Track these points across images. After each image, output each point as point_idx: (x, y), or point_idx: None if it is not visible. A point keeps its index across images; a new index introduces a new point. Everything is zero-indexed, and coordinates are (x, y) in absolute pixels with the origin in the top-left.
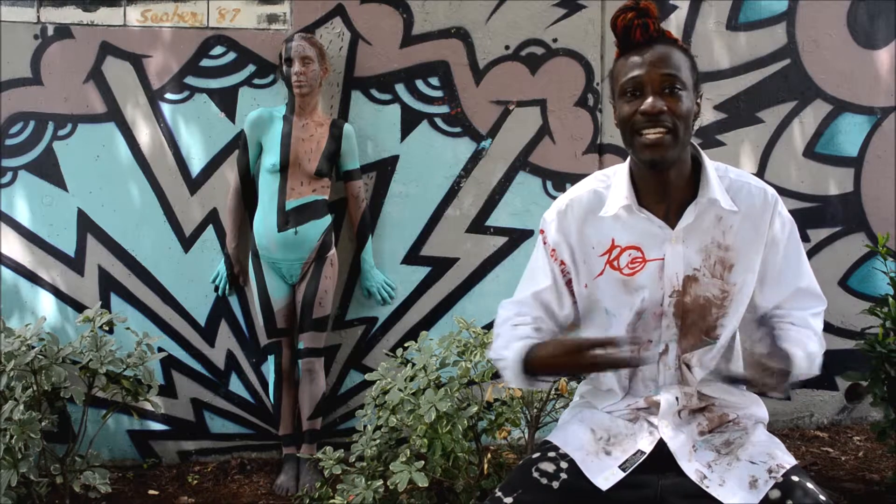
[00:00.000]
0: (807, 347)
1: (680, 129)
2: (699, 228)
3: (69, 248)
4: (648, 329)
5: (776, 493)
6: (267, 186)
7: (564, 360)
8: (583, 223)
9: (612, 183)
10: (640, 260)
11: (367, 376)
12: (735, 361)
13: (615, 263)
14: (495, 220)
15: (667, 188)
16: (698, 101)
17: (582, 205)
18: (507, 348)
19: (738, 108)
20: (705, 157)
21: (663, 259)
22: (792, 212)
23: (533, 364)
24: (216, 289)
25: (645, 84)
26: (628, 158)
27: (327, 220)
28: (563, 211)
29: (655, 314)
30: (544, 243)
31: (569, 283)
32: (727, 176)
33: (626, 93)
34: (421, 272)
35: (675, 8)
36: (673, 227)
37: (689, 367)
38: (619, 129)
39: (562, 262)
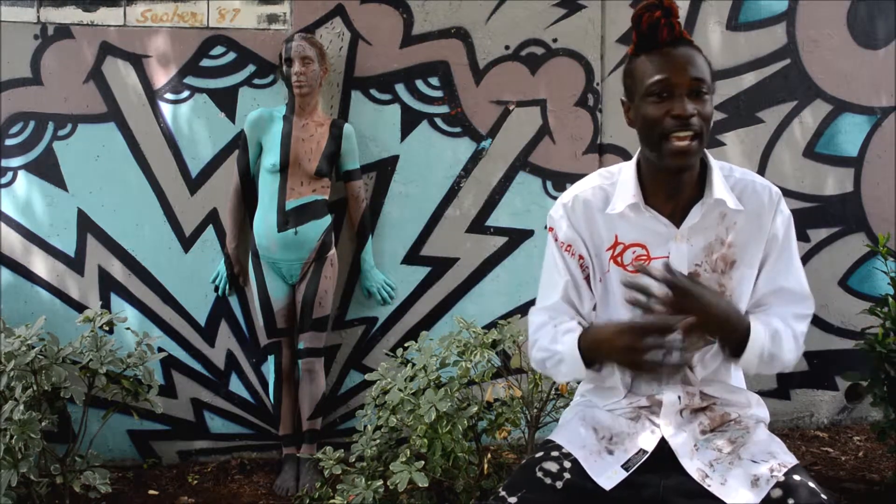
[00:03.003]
0: (770, 323)
1: (705, 134)
2: (704, 227)
3: (69, 248)
4: None
5: (778, 493)
6: (267, 186)
7: (615, 340)
8: (590, 218)
9: (618, 180)
10: (644, 258)
11: (367, 376)
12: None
13: (619, 260)
14: (495, 220)
15: (676, 188)
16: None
17: (587, 201)
18: (557, 342)
19: (738, 108)
20: (710, 157)
21: (668, 257)
22: (792, 212)
23: (588, 346)
24: (216, 289)
25: (675, 86)
26: (635, 156)
27: (327, 220)
28: (570, 207)
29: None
30: (556, 240)
31: (587, 277)
32: (732, 175)
33: (653, 94)
34: (421, 272)
35: None
36: (678, 225)
37: (690, 367)
38: (643, 130)
39: (580, 257)
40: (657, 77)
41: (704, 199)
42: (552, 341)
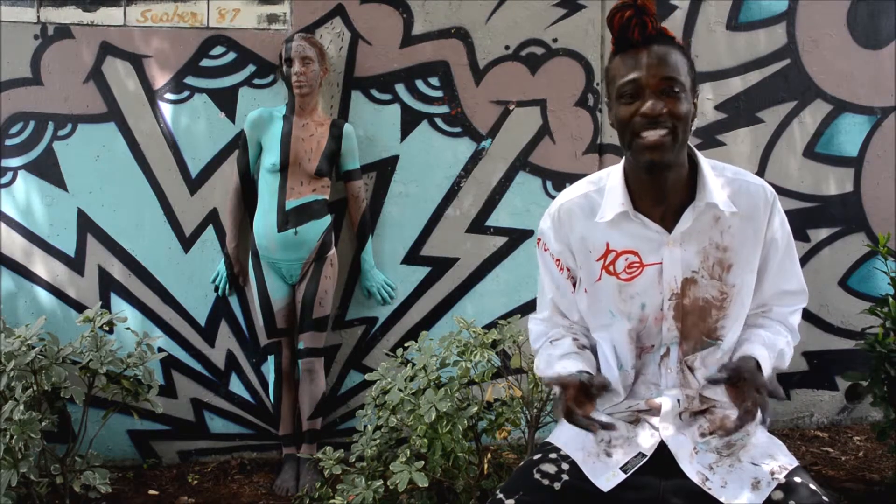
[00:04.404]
0: (775, 345)
1: (679, 131)
2: (697, 231)
3: (69, 248)
4: (651, 334)
5: (779, 495)
6: (267, 186)
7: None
8: (578, 228)
9: (606, 186)
10: (637, 265)
11: (367, 376)
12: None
13: (611, 269)
14: (495, 220)
15: (664, 191)
16: (695, 100)
17: (574, 210)
18: (551, 367)
19: (738, 108)
20: (701, 157)
21: (661, 263)
22: (792, 212)
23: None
24: (216, 289)
25: (643, 87)
26: (622, 161)
27: (327, 220)
28: (556, 218)
29: (656, 319)
30: (545, 251)
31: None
32: (724, 175)
33: (624, 95)
34: (421, 272)
35: (675, 8)
36: (670, 230)
37: (691, 369)
38: (618, 132)
39: (568, 269)
40: (627, 78)
41: (696, 203)
42: (548, 365)
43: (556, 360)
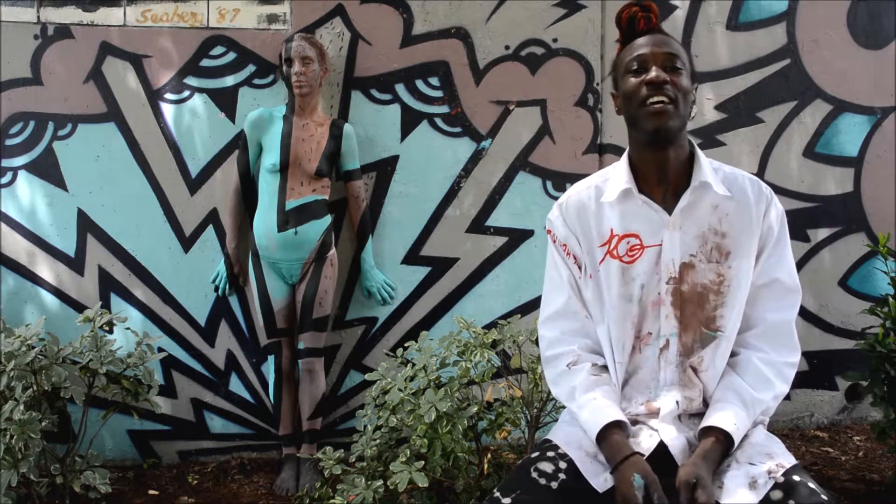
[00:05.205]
0: (757, 402)
1: (680, 102)
2: (696, 215)
3: (69, 248)
4: (649, 319)
5: (778, 494)
6: (267, 186)
7: (622, 484)
8: (584, 216)
9: (612, 175)
10: (638, 247)
11: (367, 376)
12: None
13: (615, 252)
14: (495, 220)
15: (665, 169)
16: (694, 88)
17: (582, 199)
18: (574, 400)
19: (738, 108)
20: (699, 150)
21: (661, 245)
22: (792, 212)
23: (604, 451)
24: (216, 289)
25: (649, 60)
26: (626, 151)
27: (327, 220)
28: (564, 207)
29: (653, 303)
30: (554, 241)
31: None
32: (721, 169)
33: (630, 70)
34: (421, 272)
35: (675, 8)
36: (670, 212)
37: (695, 370)
38: (625, 107)
39: (575, 257)
40: (634, 54)
41: (692, 184)
42: (570, 396)
43: (580, 392)
